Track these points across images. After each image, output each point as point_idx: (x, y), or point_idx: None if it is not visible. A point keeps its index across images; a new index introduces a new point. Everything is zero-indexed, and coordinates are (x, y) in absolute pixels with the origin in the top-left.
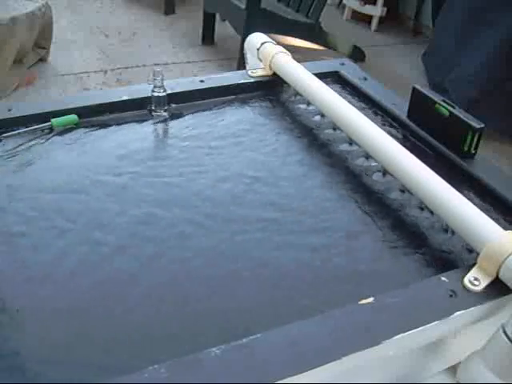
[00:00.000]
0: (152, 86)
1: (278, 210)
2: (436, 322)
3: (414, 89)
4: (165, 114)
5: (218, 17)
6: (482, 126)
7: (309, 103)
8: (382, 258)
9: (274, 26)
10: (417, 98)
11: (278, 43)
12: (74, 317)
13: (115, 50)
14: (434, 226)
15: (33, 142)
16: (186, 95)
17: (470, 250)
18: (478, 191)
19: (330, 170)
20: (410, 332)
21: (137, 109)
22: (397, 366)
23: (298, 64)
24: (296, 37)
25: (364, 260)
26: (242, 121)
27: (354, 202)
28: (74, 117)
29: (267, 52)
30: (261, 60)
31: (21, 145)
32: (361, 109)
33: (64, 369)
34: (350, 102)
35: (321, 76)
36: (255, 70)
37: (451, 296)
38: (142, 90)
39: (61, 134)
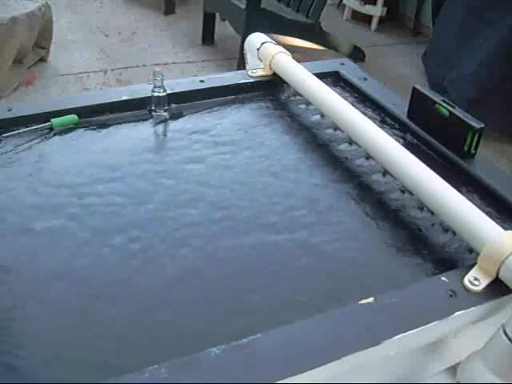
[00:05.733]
0: (152, 85)
1: (277, 209)
2: (436, 322)
3: (413, 89)
4: (165, 114)
5: (218, 17)
6: (482, 125)
7: (309, 103)
8: (382, 258)
9: (274, 26)
10: (417, 98)
11: (278, 43)
12: None
13: (115, 49)
14: (434, 226)
15: (33, 142)
16: (186, 95)
17: (470, 250)
18: (478, 191)
19: (329, 169)
20: (410, 332)
21: (137, 109)
22: (397, 366)
23: (298, 64)
24: (296, 37)
25: (364, 260)
26: (241, 121)
27: (353, 202)
28: (73, 117)
29: (267, 52)
30: (261, 60)
31: (21, 145)
32: (361, 109)
33: None
34: (349, 101)
35: (321, 76)
36: (255, 70)
37: (451, 296)
38: (141, 89)
39: (61, 133)
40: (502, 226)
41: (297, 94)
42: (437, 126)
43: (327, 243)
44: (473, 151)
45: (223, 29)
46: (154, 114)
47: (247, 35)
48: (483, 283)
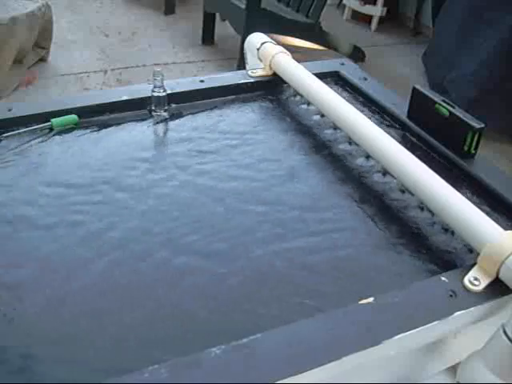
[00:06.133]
0: (152, 85)
1: (277, 209)
2: (436, 322)
3: (413, 89)
4: (165, 114)
5: (218, 17)
6: (482, 125)
7: (309, 103)
8: (382, 258)
9: (274, 26)
10: (417, 98)
11: (278, 43)
12: None
13: (115, 49)
14: (434, 226)
15: (33, 142)
16: (186, 95)
17: (470, 250)
18: (478, 191)
19: (329, 169)
20: (410, 332)
21: (137, 109)
22: (397, 366)
23: (298, 64)
24: (296, 37)
25: (364, 260)
26: (241, 121)
27: (353, 202)
28: (73, 117)
29: (267, 52)
30: (261, 60)
31: (21, 145)
32: (361, 109)
33: None
34: (349, 102)
35: (321, 76)
36: (255, 70)
37: (451, 296)
38: (142, 89)
39: (61, 133)
40: (502, 226)
41: (297, 94)
42: (437, 126)
43: (327, 243)
44: (473, 151)
45: (223, 29)
46: (154, 113)
47: (247, 35)
48: (483, 283)
